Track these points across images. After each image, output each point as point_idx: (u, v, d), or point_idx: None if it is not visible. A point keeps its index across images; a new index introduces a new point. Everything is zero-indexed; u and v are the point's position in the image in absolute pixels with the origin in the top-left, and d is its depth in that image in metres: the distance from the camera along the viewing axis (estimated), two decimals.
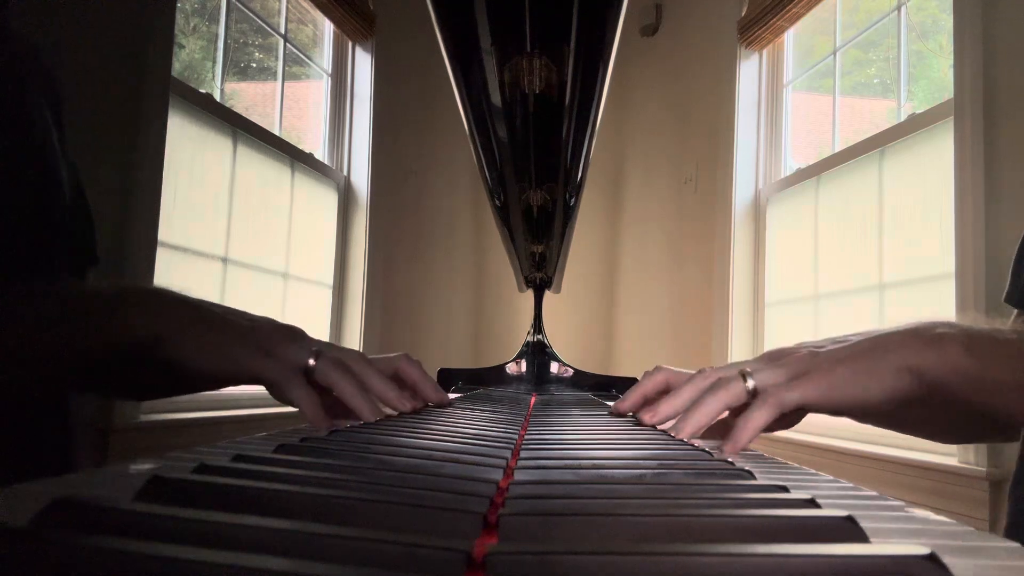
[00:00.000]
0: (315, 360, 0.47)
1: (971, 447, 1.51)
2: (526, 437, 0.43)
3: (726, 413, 0.48)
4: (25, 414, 0.51)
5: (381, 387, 0.50)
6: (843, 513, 0.20)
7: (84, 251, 0.62)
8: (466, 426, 0.47)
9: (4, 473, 0.49)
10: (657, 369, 0.59)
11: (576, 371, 1.30)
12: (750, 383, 0.46)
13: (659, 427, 0.51)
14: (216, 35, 2.07)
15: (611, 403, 0.90)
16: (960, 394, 0.43)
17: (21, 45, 0.55)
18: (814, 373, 0.45)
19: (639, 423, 0.57)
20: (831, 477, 0.33)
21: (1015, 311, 0.68)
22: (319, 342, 0.50)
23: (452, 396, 0.97)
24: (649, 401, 0.58)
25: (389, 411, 0.52)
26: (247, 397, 1.97)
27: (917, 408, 0.46)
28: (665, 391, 0.58)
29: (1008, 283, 0.69)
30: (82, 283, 0.55)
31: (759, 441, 0.43)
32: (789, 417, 0.47)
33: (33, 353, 0.42)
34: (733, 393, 0.46)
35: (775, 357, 0.49)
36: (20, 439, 0.51)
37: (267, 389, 0.46)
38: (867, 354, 0.45)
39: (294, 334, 0.49)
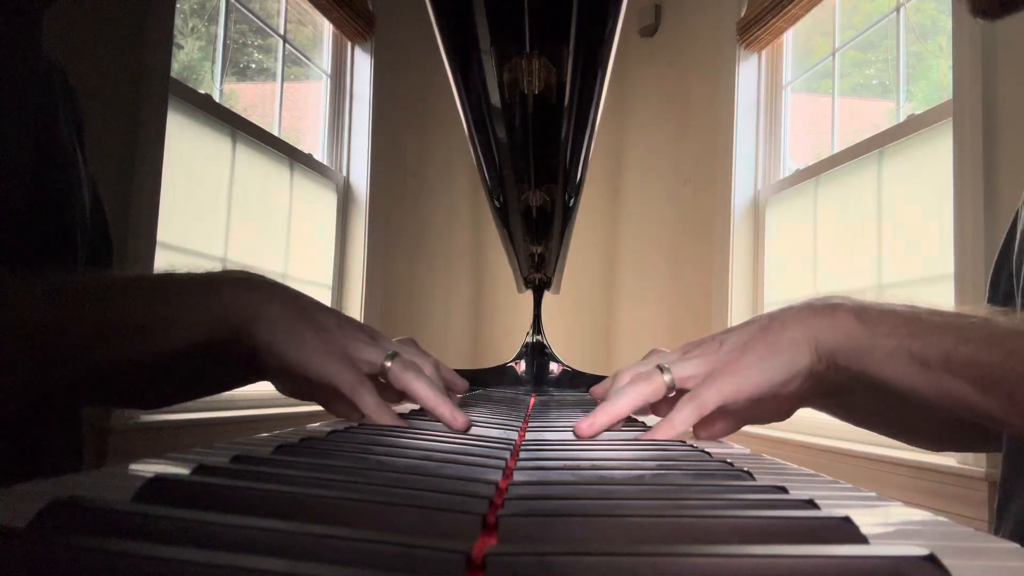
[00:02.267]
0: (391, 362, 0.48)
1: None
2: (525, 438, 0.43)
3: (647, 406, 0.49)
4: (24, 415, 0.51)
5: (446, 396, 0.50)
6: (842, 514, 0.20)
7: (102, 263, 0.63)
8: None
9: (4, 473, 0.49)
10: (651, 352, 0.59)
11: (575, 372, 1.30)
12: (667, 377, 0.47)
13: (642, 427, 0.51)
14: (215, 36, 2.07)
15: None
16: (851, 363, 0.44)
17: (50, 63, 0.57)
18: (725, 366, 0.46)
19: (642, 424, 0.57)
20: (830, 478, 0.33)
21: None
22: (396, 345, 0.52)
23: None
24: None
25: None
26: (247, 398, 1.97)
27: (826, 385, 0.47)
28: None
29: (987, 293, 0.69)
30: (149, 273, 0.56)
31: (758, 441, 0.43)
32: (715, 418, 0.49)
33: (130, 341, 0.42)
34: (652, 388, 0.47)
35: (687, 349, 0.51)
36: (19, 440, 0.51)
37: (342, 391, 0.47)
38: (765, 333, 0.46)
39: (374, 336, 0.51)
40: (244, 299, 0.45)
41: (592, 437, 0.45)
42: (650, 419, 0.62)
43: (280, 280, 0.49)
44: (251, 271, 0.48)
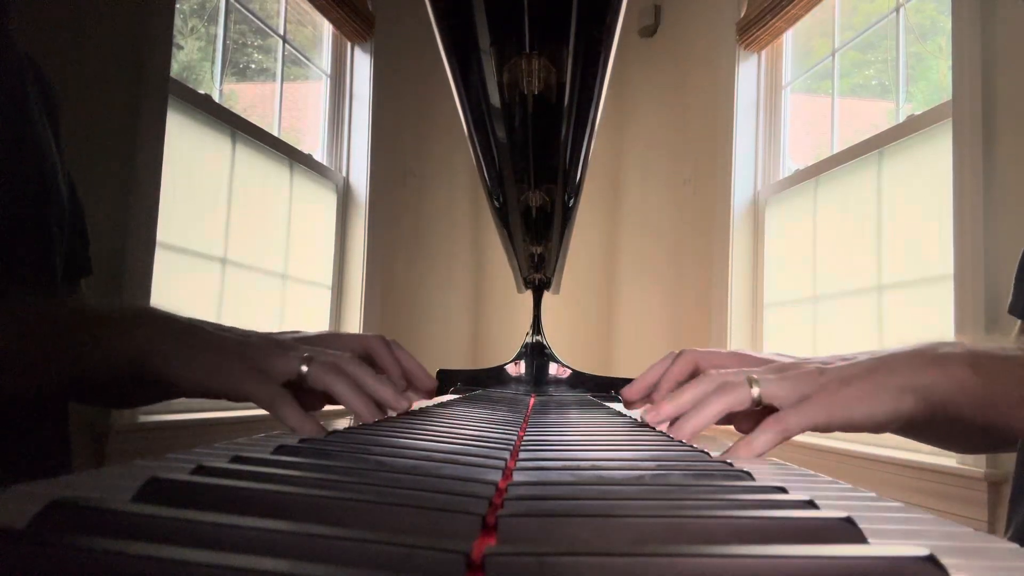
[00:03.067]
0: (307, 366, 0.47)
1: None
2: (525, 438, 0.43)
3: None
4: (23, 416, 0.51)
5: (377, 387, 0.50)
6: (842, 514, 0.20)
7: (79, 261, 0.62)
8: (465, 427, 0.47)
9: (2, 474, 0.49)
10: (682, 353, 0.59)
11: (575, 372, 1.30)
12: (755, 391, 0.46)
13: (659, 427, 0.51)
14: (215, 36, 2.07)
15: (610, 404, 0.90)
16: (967, 412, 0.44)
17: (20, 54, 0.56)
18: (820, 395, 0.45)
19: (642, 424, 0.57)
20: (830, 478, 0.33)
21: (1019, 322, 0.67)
22: (310, 347, 0.50)
23: (451, 397, 0.97)
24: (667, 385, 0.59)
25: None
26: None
27: (921, 427, 0.47)
28: (694, 374, 0.59)
29: (1012, 294, 0.69)
30: (73, 298, 0.56)
31: None
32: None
33: (25, 366, 0.43)
34: (738, 398, 0.46)
35: (782, 368, 0.49)
36: (18, 441, 0.51)
37: (261, 407, 0.47)
38: (872, 375, 0.45)
39: (283, 345, 0.50)
40: (133, 337, 0.45)
41: (684, 439, 0.45)
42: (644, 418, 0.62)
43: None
44: (152, 308, 0.49)
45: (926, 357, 0.45)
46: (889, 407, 0.44)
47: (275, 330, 0.57)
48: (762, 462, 0.42)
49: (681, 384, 0.58)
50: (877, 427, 0.45)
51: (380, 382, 0.50)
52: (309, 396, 0.48)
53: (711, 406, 0.46)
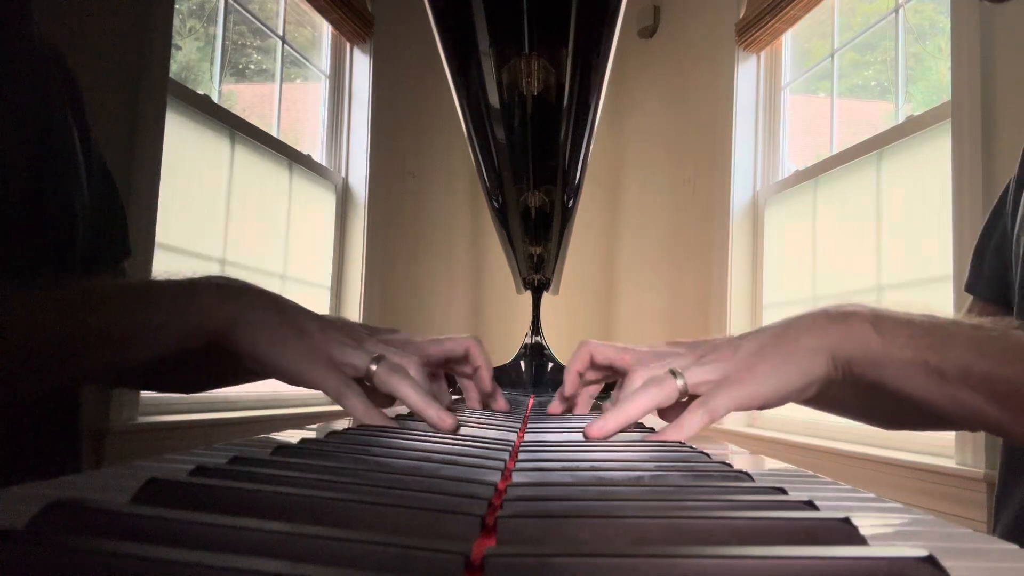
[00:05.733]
0: (376, 366, 0.48)
1: (968, 448, 1.52)
2: (524, 439, 0.43)
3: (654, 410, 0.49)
4: (22, 416, 0.51)
5: (432, 398, 0.50)
6: (841, 515, 0.20)
7: (119, 243, 0.64)
8: (464, 428, 0.47)
9: (1, 475, 0.49)
10: (581, 345, 0.61)
11: None
12: (680, 382, 0.47)
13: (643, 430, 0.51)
14: (214, 36, 2.07)
15: (609, 405, 0.90)
16: (867, 372, 0.44)
17: (43, 50, 0.57)
18: (738, 373, 0.46)
19: (639, 425, 0.57)
20: (828, 479, 0.33)
21: (969, 301, 0.68)
22: (381, 344, 0.51)
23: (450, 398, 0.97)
24: (584, 379, 0.62)
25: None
26: (245, 399, 1.97)
27: (838, 389, 0.47)
28: (592, 366, 0.61)
29: (968, 271, 0.70)
30: (155, 278, 0.56)
31: (757, 442, 0.43)
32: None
33: (101, 348, 0.43)
34: (665, 393, 0.47)
35: (697, 349, 0.51)
36: (17, 441, 0.51)
37: (329, 396, 0.47)
38: (781, 340, 0.46)
39: (358, 336, 0.50)
40: (221, 306, 0.45)
41: (603, 439, 0.45)
42: (647, 420, 0.62)
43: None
44: (230, 277, 0.48)
45: (831, 316, 0.46)
46: (803, 368, 0.45)
47: None
48: (762, 462, 0.42)
49: (581, 375, 0.61)
50: (798, 393, 0.46)
51: (438, 395, 0.51)
52: (376, 394, 0.49)
53: (638, 400, 0.47)
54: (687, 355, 0.51)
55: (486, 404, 0.66)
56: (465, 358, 0.62)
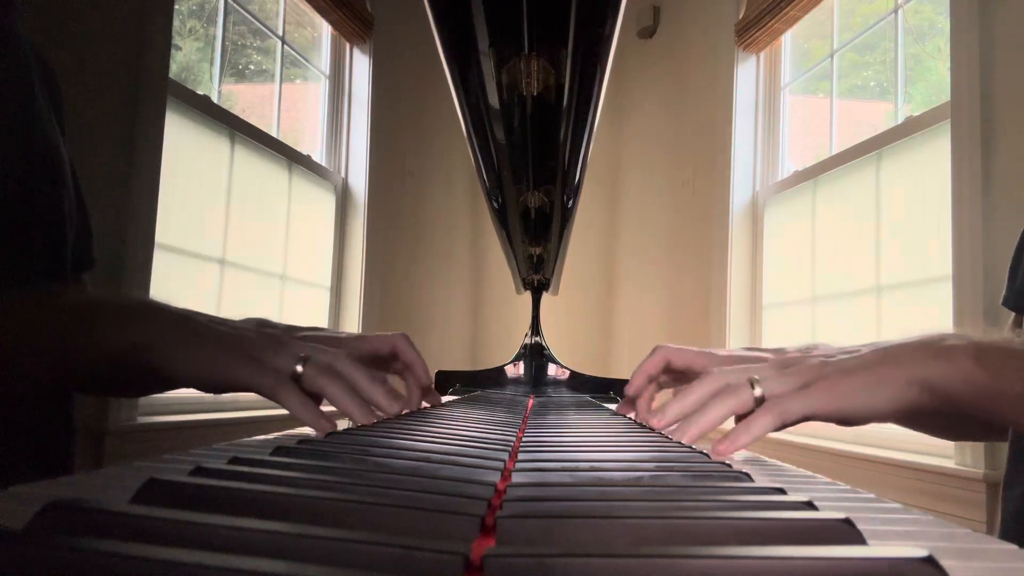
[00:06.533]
0: (302, 367, 0.47)
1: (967, 449, 1.52)
2: (524, 439, 0.43)
3: (732, 419, 0.48)
4: (20, 417, 0.51)
5: (370, 390, 0.50)
6: (840, 515, 0.20)
7: (81, 254, 0.62)
8: (464, 428, 0.47)
9: (3, 474, 0.49)
10: (656, 349, 0.60)
11: (574, 373, 1.30)
12: (758, 391, 0.46)
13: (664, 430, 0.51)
14: (214, 37, 2.07)
15: (608, 405, 0.90)
16: (971, 405, 0.43)
17: (25, 47, 0.56)
18: (821, 383, 0.45)
19: (640, 425, 0.57)
20: (828, 479, 0.33)
21: (1012, 315, 0.68)
22: (305, 344, 0.50)
23: (450, 398, 0.97)
24: (653, 381, 0.61)
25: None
26: (244, 399, 1.97)
27: (924, 418, 0.46)
28: (667, 370, 0.60)
29: (1005, 286, 0.70)
30: (73, 289, 0.56)
31: (756, 443, 0.43)
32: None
33: (25, 358, 0.43)
34: (741, 401, 0.46)
35: (785, 364, 0.49)
36: (15, 442, 0.51)
37: (263, 395, 0.46)
38: (877, 366, 0.45)
39: (278, 342, 0.49)
40: (130, 329, 0.44)
41: (663, 428, 0.46)
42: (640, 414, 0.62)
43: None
44: (142, 298, 0.48)
45: (931, 349, 0.45)
46: (892, 399, 0.44)
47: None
48: (761, 463, 0.42)
49: (653, 378, 0.60)
50: (878, 417, 0.45)
51: (372, 385, 0.50)
52: (307, 395, 0.48)
53: (714, 410, 0.46)
54: (771, 364, 0.49)
55: (424, 400, 0.64)
56: (394, 356, 0.60)
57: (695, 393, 0.49)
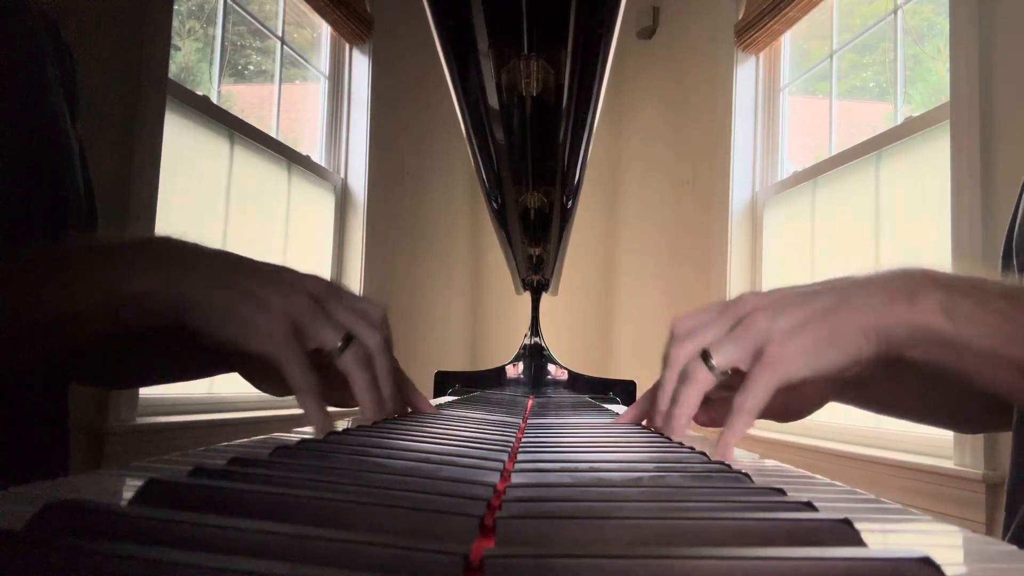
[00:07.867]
0: (344, 350, 0.44)
1: (967, 449, 1.52)
2: (523, 440, 0.43)
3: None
4: (19, 416, 0.51)
5: (391, 393, 0.48)
6: (839, 516, 0.20)
7: (89, 218, 0.60)
8: (463, 429, 0.47)
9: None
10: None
11: (573, 373, 1.31)
12: (713, 367, 0.44)
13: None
14: (213, 37, 2.07)
15: (608, 405, 0.90)
16: (932, 358, 0.40)
17: (37, 20, 0.55)
18: (771, 353, 0.41)
19: (639, 425, 0.57)
20: (827, 480, 0.33)
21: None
22: (359, 319, 0.46)
23: (450, 399, 0.97)
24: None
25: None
26: (244, 400, 1.97)
27: (881, 369, 0.42)
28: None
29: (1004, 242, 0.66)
30: (78, 236, 0.52)
31: (756, 444, 0.43)
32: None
33: (23, 314, 0.40)
34: (701, 383, 0.44)
35: (729, 316, 0.45)
36: (15, 442, 0.51)
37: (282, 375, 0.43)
38: (829, 317, 0.41)
39: (327, 311, 0.45)
40: (164, 285, 0.40)
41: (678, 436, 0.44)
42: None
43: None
44: (175, 240, 0.44)
45: (893, 290, 0.41)
46: (848, 354, 0.40)
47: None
48: (761, 463, 0.42)
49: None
50: (837, 373, 0.42)
51: (393, 390, 0.48)
52: (324, 368, 0.45)
53: (685, 400, 0.45)
54: (718, 321, 0.46)
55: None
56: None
57: (664, 389, 0.48)
